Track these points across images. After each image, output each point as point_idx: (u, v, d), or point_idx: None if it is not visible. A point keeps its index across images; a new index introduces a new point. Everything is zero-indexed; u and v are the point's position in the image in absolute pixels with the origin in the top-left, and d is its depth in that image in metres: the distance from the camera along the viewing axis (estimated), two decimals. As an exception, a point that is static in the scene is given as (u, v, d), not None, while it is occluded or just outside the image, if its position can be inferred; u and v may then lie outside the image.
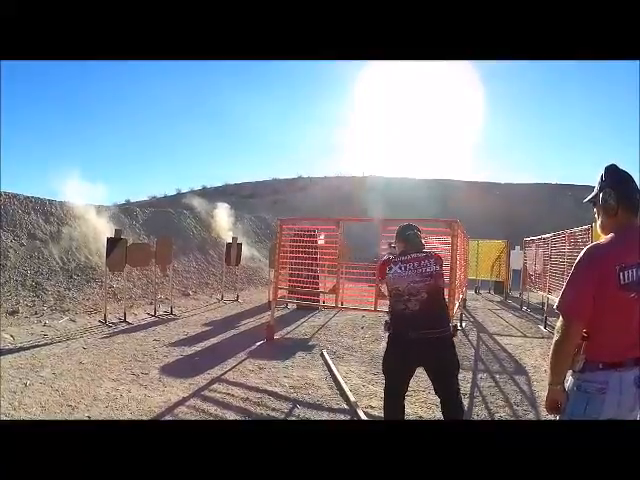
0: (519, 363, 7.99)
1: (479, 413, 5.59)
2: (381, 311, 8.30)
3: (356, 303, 9.68)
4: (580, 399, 2.39)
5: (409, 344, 4.19)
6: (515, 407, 5.70)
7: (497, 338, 10.27)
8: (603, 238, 2.53)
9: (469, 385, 6.60)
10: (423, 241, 4.55)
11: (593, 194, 2.64)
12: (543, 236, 13.54)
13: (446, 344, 4.30)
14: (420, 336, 4.13)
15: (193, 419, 5.05)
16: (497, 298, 19.15)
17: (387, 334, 4.52)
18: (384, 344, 7.78)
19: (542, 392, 6.07)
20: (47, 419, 4.82)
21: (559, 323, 2.44)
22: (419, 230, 4.54)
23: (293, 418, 5.18)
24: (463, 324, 11.60)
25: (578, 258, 2.45)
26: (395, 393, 4.39)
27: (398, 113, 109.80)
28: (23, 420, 4.79)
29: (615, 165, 2.59)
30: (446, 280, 4.36)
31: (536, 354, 8.75)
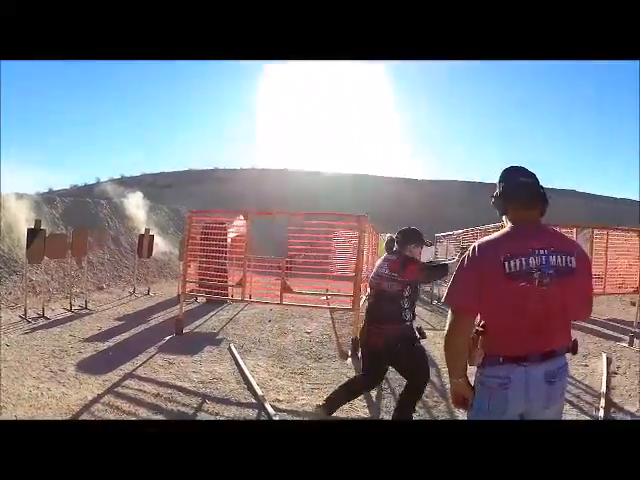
0: (429, 355, 7.96)
1: (388, 405, 5.64)
2: (287, 304, 8.50)
3: (263, 296, 9.79)
4: (483, 394, 2.40)
5: (363, 330, 4.83)
6: (425, 399, 5.65)
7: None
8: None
9: None
10: (395, 246, 4.80)
11: (491, 196, 2.70)
12: (454, 232, 13.81)
13: (388, 342, 4.48)
14: (368, 327, 4.70)
15: (189, 419, 5.05)
16: (403, 292, 19.48)
17: None
18: (291, 337, 8.05)
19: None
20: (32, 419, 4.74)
21: (448, 317, 2.45)
22: (400, 235, 4.80)
23: (203, 413, 5.13)
24: None
25: (467, 251, 2.50)
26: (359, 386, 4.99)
27: (320, 107, 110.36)
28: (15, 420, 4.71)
29: (510, 167, 2.65)
30: (393, 285, 4.34)
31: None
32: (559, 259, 2.37)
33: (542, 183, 2.60)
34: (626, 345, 9.59)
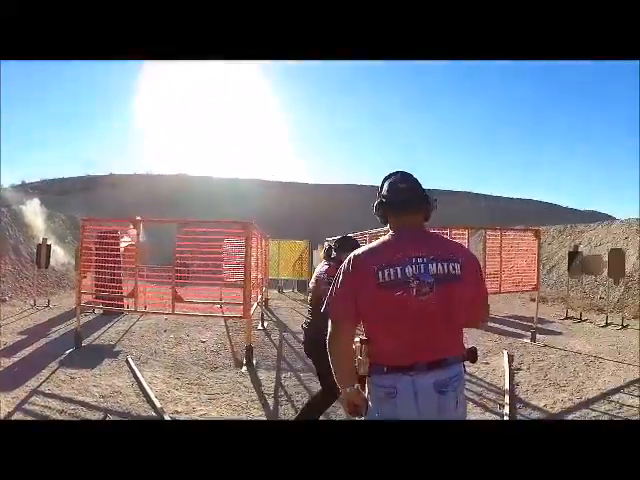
0: None
1: (286, 412, 5.98)
2: (180, 314, 8.64)
3: (157, 307, 9.81)
4: (374, 403, 2.37)
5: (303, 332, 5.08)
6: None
7: (300, 337, 10.17)
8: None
9: (273, 385, 7.00)
10: (333, 254, 5.09)
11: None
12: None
13: (316, 346, 4.36)
14: (306, 331, 4.99)
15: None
16: (301, 296, 19.78)
17: None
18: (186, 347, 8.53)
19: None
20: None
21: (329, 323, 2.48)
22: (338, 243, 5.11)
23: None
24: (265, 324, 12.05)
25: (342, 263, 2.51)
26: None
27: (208, 113, 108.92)
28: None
29: (389, 173, 2.66)
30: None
31: None
32: (440, 267, 2.34)
33: (426, 185, 2.57)
34: (528, 341, 10.11)
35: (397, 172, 2.65)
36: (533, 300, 12.91)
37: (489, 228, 11.57)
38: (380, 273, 2.30)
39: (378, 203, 2.61)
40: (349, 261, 2.45)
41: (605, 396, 6.57)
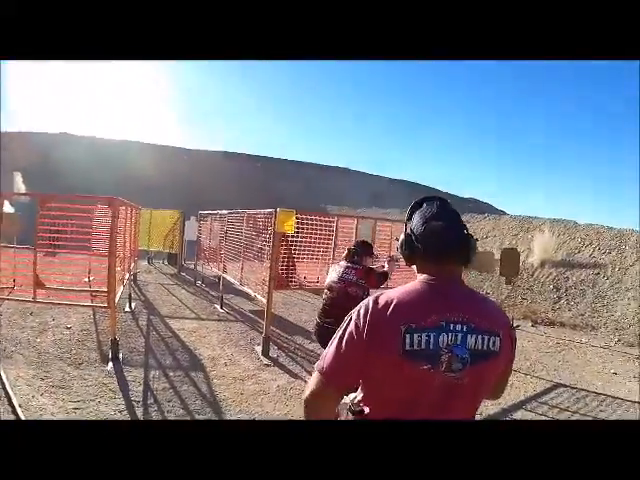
0: (194, 354, 7.94)
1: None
2: (41, 302, 7.62)
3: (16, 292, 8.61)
4: None
5: (317, 325, 5.76)
6: (197, 416, 5.51)
7: (169, 322, 10.04)
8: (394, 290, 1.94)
9: (141, 388, 6.18)
10: (356, 257, 5.70)
11: (395, 238, 2.21)
12: (220, 212, 13.55)
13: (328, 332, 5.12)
14: (322, 322, 5.61)
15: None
16: (171, 270, 19.09)
17: None
18: (51, 335, 7.98)
19: (225, 391, 6.32)
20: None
21: (312, 379, 1.94)
22: (360, 247, 5.83)
23: None
24: (133, 305, 11.08)
25: (355, 309, 1.93)
26: None
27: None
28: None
29: (422, 198, 2.13)
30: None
31: (213, 342, 8.78)
32: (479, 340, 1.85)
33: (458, 215, 2.07)
34: None
35: (432, 201, 2.08)
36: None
37: (379, 219, 11.31)
38: (408, 337, 1.76)
39: (406, 241, 2.06)
40: (367, 310, 1.84)
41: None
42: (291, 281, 9.46)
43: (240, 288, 10.98)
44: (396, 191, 47.82)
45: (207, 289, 14.77)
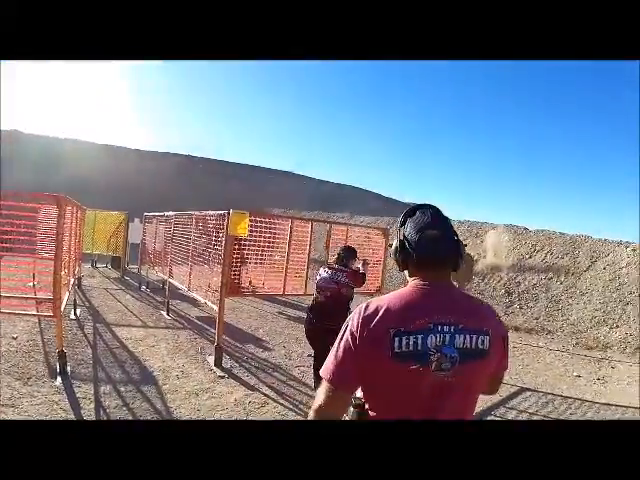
0: (144, 366, 7.61)
1: None
2: None
3: None
4: None
5: (311, 326, 6.40)
6: None
7: (116, 330, 9.71)
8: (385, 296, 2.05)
9: (93, 406, 5.81)
10: (344, 260, 6.49)
11: (388, 245, 2.27)
12: (166, 213, 13.27)
13: (333, 335, 5.68)
14: (317, 323, 6.26)
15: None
16: (115, 274, 18.60)
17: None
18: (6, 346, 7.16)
19: (181, 407, 6.02)
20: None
21: (320, 387, 2.01)
22: (347, 252, 6.62)
23: None
24: (78, 311, 10.67)
25: (350, 316, 2.02)
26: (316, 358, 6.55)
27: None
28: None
29: (416, 206, 2.20)
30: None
31: (162, 352, 8.49)
32: (467, 340, 1.93)
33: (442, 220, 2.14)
34: None
35: (424, 209, 2.16)
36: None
37: (335, 223, 11.17)
38: (397, 340, 1.85)
39: (400, 248, 2.13)
40: (359, 316, 1.94)
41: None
42: (243, 287, 9.17)
43: (188, 294, 10.72)
44: (342, 196, 47.98)
45: (152, 294, 14.45)
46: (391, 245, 2.23)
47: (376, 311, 1.92)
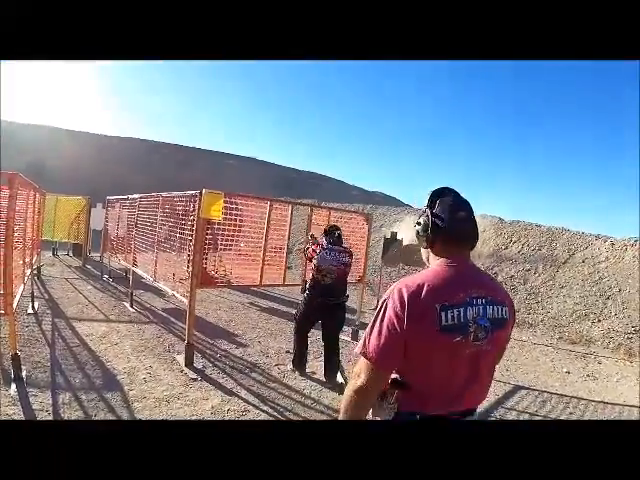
0: (107, 368, 6.73)
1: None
2: None
3: None
4: None
5: (319, 304, 6.81)
6: None
7: (76, 325, 8.82)
8: (419, 273, 2.18)
9: (50, 417, 4.99)
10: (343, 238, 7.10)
11: (416, 223, 2.36)
12: (130, 196, 12.31)
13: (341, 308, 7.00)
14: (326, 301, 6.78)
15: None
16: (76, 263, 17.75)
17: (304, 294, 7.14)
18: None
19: (151, 418, 5.21)
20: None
21: (358, 368, 2.10)
22: (339, 230, 7.09)
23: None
24: (36, 305, 9.78)
25: (386, 294, 2.10)
26: (303, 333, 7.15)
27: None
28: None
29: (442, 188, 2.32)
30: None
31: (127, 350, 7.64)
32: (496, 310, 2.14)
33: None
34: (349, 339, 9.60)
35: (451, 192, 2.30)
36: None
37: (316, 206, 10.71)
38: (443, 315, 1.99)
39: (433, 225, 2.23)
40: (401, 296, 2.02)
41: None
42: (217, 278, 8.28)
43: (154, 284, 9.90)
44: (305, 181, 48.06)
45: (114, 284, 13.74)
46: (419, 223, 2.31)
47: (419, 289, 2.02)
